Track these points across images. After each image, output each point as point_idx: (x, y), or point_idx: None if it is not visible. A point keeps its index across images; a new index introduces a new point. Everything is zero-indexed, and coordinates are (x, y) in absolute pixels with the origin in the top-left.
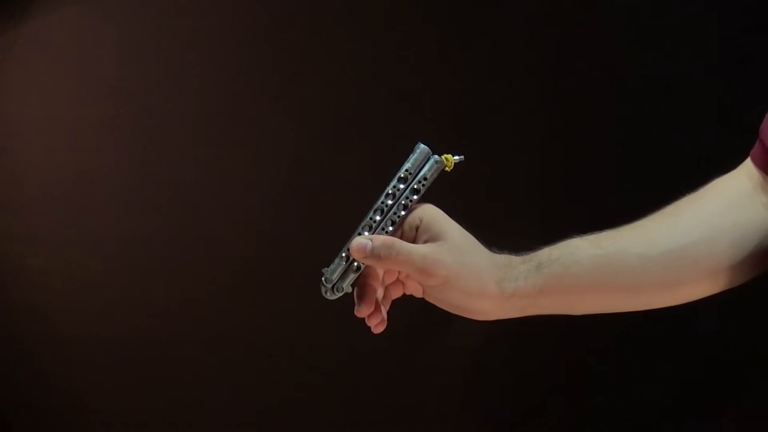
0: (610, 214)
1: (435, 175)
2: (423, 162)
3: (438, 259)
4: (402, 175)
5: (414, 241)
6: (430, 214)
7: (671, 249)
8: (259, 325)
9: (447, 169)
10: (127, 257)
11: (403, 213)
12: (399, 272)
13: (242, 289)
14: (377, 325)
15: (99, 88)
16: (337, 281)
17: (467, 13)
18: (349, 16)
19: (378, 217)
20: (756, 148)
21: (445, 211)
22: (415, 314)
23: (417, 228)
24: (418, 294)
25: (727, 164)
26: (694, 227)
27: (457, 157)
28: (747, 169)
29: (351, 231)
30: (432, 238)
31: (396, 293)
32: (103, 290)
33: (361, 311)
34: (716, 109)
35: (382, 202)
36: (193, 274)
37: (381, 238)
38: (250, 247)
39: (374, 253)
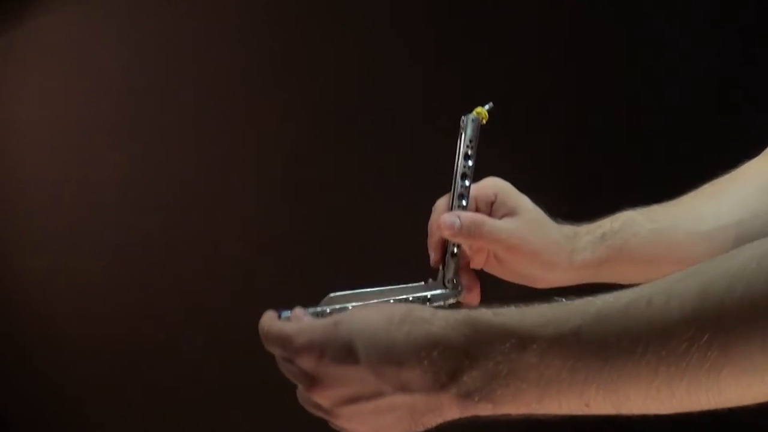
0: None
1: (478, 133)
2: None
3: (523, 236)
4: (469, 153)
5: (490, 215)
6: (503, 188)
7: (717, 227)
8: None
9: (483, 121)
10: (128, 258)
11: (467, 183)
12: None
13: (243, 289)
14: (476, 297)
15: (99, 88)
16: (451, 276)
17: (468, 12)
18: (349, 15)
19: (464, 202)
20: None
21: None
22: None
23: (492, 203)
24: (479, 266)
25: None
26: (737, 207)
27: (486, 106)
28: None
29: (352, 231)
30: (509, 213)
31: None
32: (104, 291)
33: (473, 296)
34: (719, 103)
35: (462, 186)
36: (193, 275)
37: (469, 216)
38: (251, 248)
39: (463, 231)
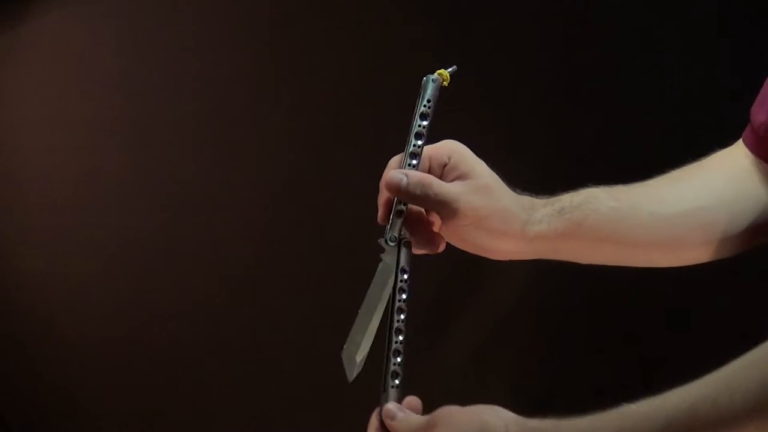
0: None
1: (437, 94)
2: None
3: (469, 200)
4: (425, 112)
5: (441, 178)
6: (458, 151)
7: (681, 211)
8: (260, 326)
9: (445, 83)
10: (128, 258)
11: (420, 143)
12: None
13: (243, 290)
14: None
15: (99, 88)
16: (396, 234)
17: (468, 11)
18: (349, 15)
19: (414, 161)
20: (746, 131)
21: None
22: (415, 314)
23: (444, 165)
24: (435, 230)
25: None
26: (703, 194)
27: (450, 69)
28: (742, 147)
29: (351, 230)
30: (461, 177)
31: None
32: (104, 292)
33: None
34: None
35: (414, 145)
36: (193, 276)
37: (417, 175)
38: (252, 248)
39: (409, 190)
